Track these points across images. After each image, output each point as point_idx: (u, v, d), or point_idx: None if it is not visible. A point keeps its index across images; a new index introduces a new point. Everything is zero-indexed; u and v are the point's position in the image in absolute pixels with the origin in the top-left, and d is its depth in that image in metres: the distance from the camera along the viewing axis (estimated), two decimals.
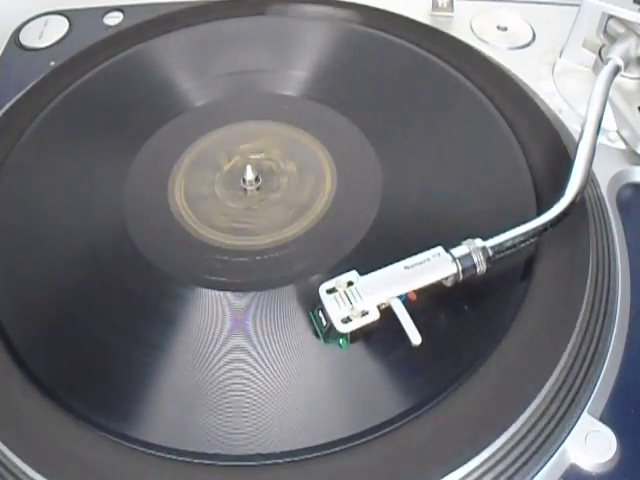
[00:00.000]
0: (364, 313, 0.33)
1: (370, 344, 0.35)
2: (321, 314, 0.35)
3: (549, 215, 0.36)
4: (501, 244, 0.35)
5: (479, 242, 0.35)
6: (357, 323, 0.33)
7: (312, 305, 0.36)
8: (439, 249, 0.35)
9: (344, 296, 0.34)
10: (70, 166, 0.46)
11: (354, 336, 0.34)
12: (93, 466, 0.32)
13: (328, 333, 0.35)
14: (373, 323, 0.33)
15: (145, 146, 0.47)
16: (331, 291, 0.34)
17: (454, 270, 0.35)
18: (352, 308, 0.34)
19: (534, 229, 0.36)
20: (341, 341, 0.35)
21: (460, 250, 0.35)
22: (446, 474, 0.31)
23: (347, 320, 0.33)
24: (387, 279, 0.34)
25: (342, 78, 0.50)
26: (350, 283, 0.34)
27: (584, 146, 0.40)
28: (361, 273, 0.35)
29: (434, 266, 0.35)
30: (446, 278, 0.35)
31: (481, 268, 0.35)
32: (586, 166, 0.39)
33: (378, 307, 0.34)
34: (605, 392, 0.35)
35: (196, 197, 0.44)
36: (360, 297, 0.34)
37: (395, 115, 0.47)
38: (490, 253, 0.35)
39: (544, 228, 0.36)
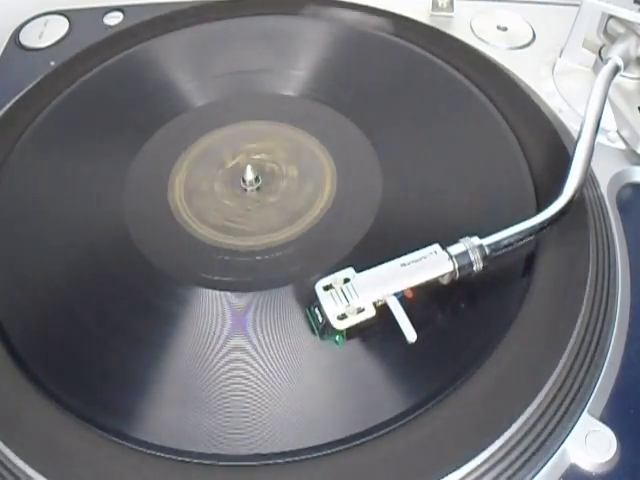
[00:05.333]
0: (360, 310, 0.34)
1: (370, 344, 0.35)
2: (317, 311, 0.35)
3: (546, 214, 0.36)
4: (498, 242, 0.35)
5: (476, 240, 0.35)
6: (353, 320, 0.33)
7: (309, 302, 0.36)
8: (436, 247, 0.35)
9: (340, 293, 0.34)
10: (70, 166, 0.46)
11: (351, 333, 0.34)
12: (93, 466, 0.32)
13: (324, 330, 0.35)
14: (369, 320, 0.33)
15: (145, 146, 0.47)
16: (327, 288, 0.34)
17: (450, 268, 0.35)
18: (348, 305, 0.34)
19: (531, 228, 0.36)
20: (337, 338, 0.35)
21: (457, 248, 0.35)
22: (446, 474, 0.31)
23: (343, 317, 0.33)
24: (383, 276, 0.34)
25: (342, 78, 0.50)
26: (346, 280, 0.35)
27: (582, 145, 0.40)
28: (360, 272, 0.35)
29: (430, 264, 0.35)
30: (442, 276, 0.35)
31: (477, 266, 0.35)
32: (584, 165, 0.39)
33: (374, 304, 0.34)
34: (605, 392, 0.35)
35: (196, 197, 0.44)
36: (356, 294, 0.34)
37: (395, 115, 0.47)
38: (487, 251, 0.35)
39: (541, 227, 0.36)
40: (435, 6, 0.58)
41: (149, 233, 0.42)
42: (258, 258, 0.40)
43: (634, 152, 0.45)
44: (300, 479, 0.31)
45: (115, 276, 0.40)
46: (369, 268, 0.35)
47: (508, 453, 0.32)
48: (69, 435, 0.33)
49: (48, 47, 0.58)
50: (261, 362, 0.35)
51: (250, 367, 0.35)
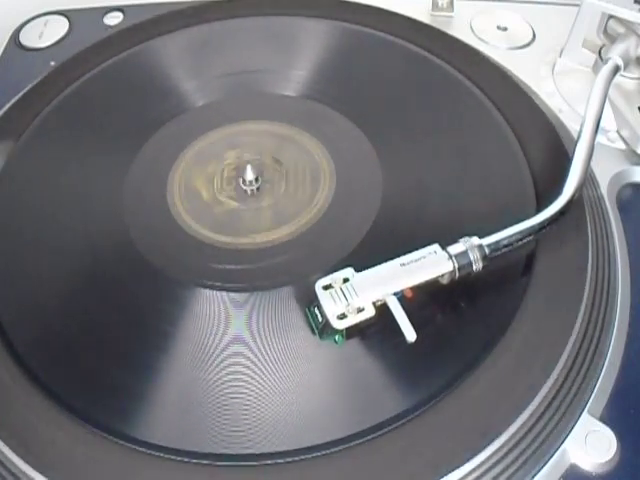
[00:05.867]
0: (360, 310, 0.34)
1: (369, 344, 0.35)
2: (317, 310, 0.35)
3: (546, 214, 0.37)
4: (497, 242, 0.36)
5: (475, 240, 0.35)
6: (352, 319, 0.33)
7: (308, 301, 0.36)
8: (435, 246, 0.35)
9: (340, 292, 0.34)
10: (70, 166, 0.46)
11: (350, 333, 0.34)
12: (93, 466, 0.32)
13: (324, 329, 0.35)
14: (368, 320, 0.34)
15: (145, 146, 0.47)
16: (327, 287, 0.35)
17: (450, 268, 0.35)
18: (348, 304, 0.34)
19: (531, 227, 0.36)
20: (337, 337, 0.35)
21: (456, 248, 0.35)
22: (446, 473, 0.31)
23: (342, 316, 0.33)
24: (383, 276, 0.35)
25: (342, 78, 0.50)
26: (346, 280, 0.35)
27: (582, 145, 0.40)
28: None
29: (430, 263, 0.35)
30: (442, 276, 0.35)
31: (477, 266, 0.35)
32: (584, 165, 0.39)
33: (374, 304, 0.34)
34: (605, 392, 0.35)
35: (196, 197, 0.44)
36: (356, 294, 0.34)
37: (395, 115, 0.47)
38: (486, 251, 0.35)
39: (541, 227, 0.36)
40: (435, 6, 0.57)
41: (149, 233, 0.42)
42: (258, 258, 0.40)
43: (634, 152, 0.45)
44: (300, 479, 0.31)
45: (115, 276, 0.40)
46: (369, 268, 0.35)
47: (508, 453, 0.32)
48: (69, 435, 0.33)
49: (48, 47, 0.58)
50: (261, 362, 0.35)
51: (250, 367, 0.35)
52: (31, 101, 0.50)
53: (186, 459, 0.32)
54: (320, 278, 0.35)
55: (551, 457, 0.33)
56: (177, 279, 0.39)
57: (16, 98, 0.51)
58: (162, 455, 0.32)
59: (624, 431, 0.33)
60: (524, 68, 0.51)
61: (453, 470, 0.31)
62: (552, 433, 0.33)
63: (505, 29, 0.56)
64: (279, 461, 0.32)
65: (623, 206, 0.43)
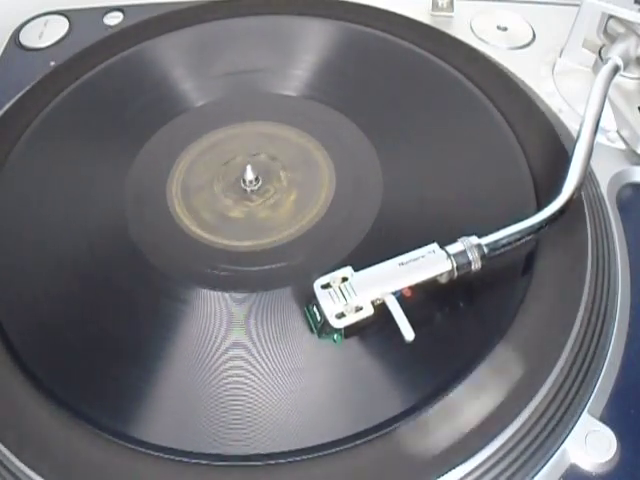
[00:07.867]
0: (358, 309, 0.34)
1: (368, 343, 0.35)
2: (316, 309, 0.35)
3: (545, 213, 0.36)
4: (496, 242, 0.35)
5: (474, 239, 0.35)
6: (351, 319, 0.33)
7: (307, 300, 0.36)
8: (434, 246, 0.35)
9: (338, 292, 0.34)
10: (70, 166, 0.46)
11: (349, 332, 0.34)
12: (92, 466, 0.32)
13: (322, 328, 0.35)
14: (367, 319, 0.34)
15: (145, 146, 0.47)
16: (326, 286, 0.35)
17: (448, 267, 0.35)
18: (346, 304, 0.34)
19: (530, 227, 0.36)
20: (335, 336, 0.35)
21: (455, 247, 0.35)
22: (446, 473, 0.31)
23: (341, 315, 0.33)
24: (381, 275, 0.35)
25: (342, 78, 0.50)
26: (345, 279, 0.35)
27: (581, 145, 0.40)
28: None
29: (429, 263, 0.35)
30: (441, 275, 0.35)
31: (476, 265, 0.35)
32: (583, 164, 0.39)
33: (372, 303, 0.34)
34: (605, 392, 0.35)
35: (196, 198, 0.44)
36: (354, 293, 0.34)
37: (395, 115, 0.47)
38: (485, 251, 0.35)
39: (540, 226, 0.36)
40: (435, 6, 0.58)
41: (149, 234, 0.42)
42: (258, 258, 0.40)
43: (634, 152, 0.45)
44: (300, 479, 0.31)
45: (115, 276, 0.40)
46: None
47: (508, 453, 0.32)
48: (68, 434, 0.33)
49: (48, 47, 0.58)
50: (261, 362, 0.35)
51: (250, 367, 0.35)
52: (31, 101, 0.50)
53: (185, 459, 0.32)
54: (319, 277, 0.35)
55: (551, 457, 0.33)
56: (177, 279, 0.39)
57: (16, 98, 0.51)
58: (162, 455, 0.32)
59: (624, 431, 0.33)
60: (524, 68, 0.51)
61: (453, 469, 0.31)
62: (552, 433, 0.33)
63: (505, 29, 0.56)
64: (280, 461, 0.32)
65: (623, 206, 0.43)
